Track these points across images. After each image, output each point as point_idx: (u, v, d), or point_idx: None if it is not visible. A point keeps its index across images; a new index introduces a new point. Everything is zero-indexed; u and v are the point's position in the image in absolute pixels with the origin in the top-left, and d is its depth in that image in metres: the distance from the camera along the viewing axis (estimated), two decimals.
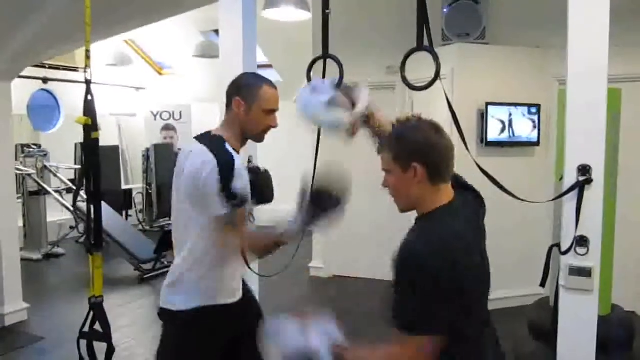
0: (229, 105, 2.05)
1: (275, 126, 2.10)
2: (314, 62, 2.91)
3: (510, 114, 4.81)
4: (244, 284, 2.22)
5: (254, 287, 3.44)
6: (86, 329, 2.61)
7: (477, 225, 1.60)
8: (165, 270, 4.35)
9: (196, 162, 1.89)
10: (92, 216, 2.57)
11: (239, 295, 2.12)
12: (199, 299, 1.97)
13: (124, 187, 8.44)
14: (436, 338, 1.38)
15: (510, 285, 4.60)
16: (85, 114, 2.46)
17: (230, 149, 1.95)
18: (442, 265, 1.35)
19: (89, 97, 2.46)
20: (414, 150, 1.50)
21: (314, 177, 3.27)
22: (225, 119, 2.08)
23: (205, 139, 2.00)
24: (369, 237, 5.82)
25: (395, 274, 1.42)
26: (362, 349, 1.57)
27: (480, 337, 1.53)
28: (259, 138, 2.12)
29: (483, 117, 4.76)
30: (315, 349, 1.59)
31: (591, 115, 2.35)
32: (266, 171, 2.20)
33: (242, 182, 1.89)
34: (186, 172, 1.91)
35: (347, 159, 6.25)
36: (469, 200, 1.63)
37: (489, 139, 4.74)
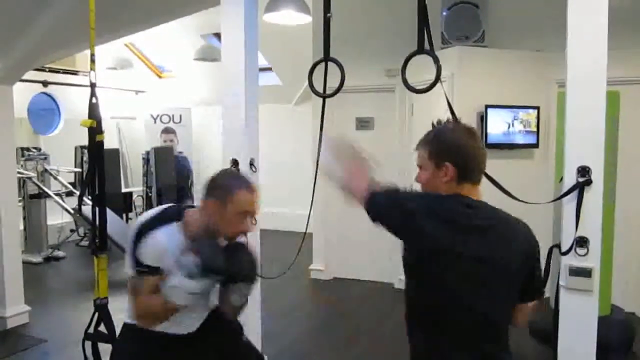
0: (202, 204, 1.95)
1: (250, 231, 1.97)
2: (315, 65, 2.94)
3: (510, 117, 4.83)
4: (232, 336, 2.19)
5: (255, 289, 3.48)
6: (91, 330, 2.63)
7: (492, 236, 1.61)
8: None
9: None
10: (97, 218, 2.59)
11: (187, 330, 2.04)
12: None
13: (124, 190, 8.45)
14: (374, 193, 1.69)
15: None
16: (90, 117, 2.48)
17: (172, 228, 1.91)
18: (435, 201, 1.61)
19: (94, 100, 2.48)
20: (448, 151, 1.63)
21: (315, 180, 3.30)
22: (199, 210, 1.98)
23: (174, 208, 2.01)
24: (368, 240, 5.83)
25: None
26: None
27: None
28: (228, 238, 1.95)
29: (483, 119, 4.78)
30: None
31: (590, 118, 2.37)
32: (245, 249, 1.96)
33: (155, 254, 1.85)
34: None
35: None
36: (511, 223, 1.70)
37: (489, 142, 4.76)
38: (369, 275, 5.86)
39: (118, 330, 2.73)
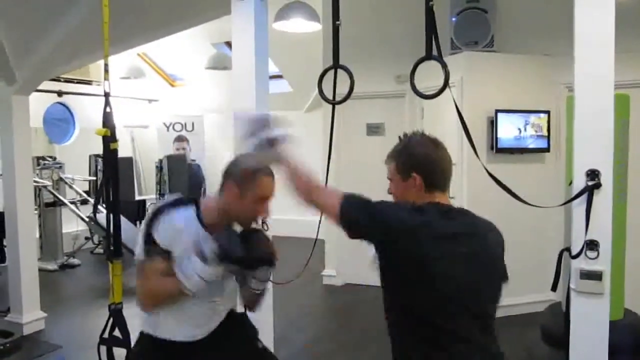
0: (222, 186, 1.97)
1: (267, 216, 2.00)
2: (325, 72, 2.97)
3: (521, 121, 4.84)
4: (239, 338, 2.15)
5: (268, 294, 3.51)
6: (106, 335, 2.67)
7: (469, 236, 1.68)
8: None
9: None
10: (111, 225, 2.63)
11: (198, 335, 2.01)
12: (145, 325, 2.05)
13: (137, 197, 8.54)
14: (347, 206, 1.65)
15: (522, 291, 4.60)
16: (104, 126, 2.53)
17: (189, 212, 1.92)
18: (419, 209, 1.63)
19: (108, 109, 2.53)
20: (414, 163, 1.71)
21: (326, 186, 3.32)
22: (219, 195, 1.98)
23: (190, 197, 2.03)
24: None
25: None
26: (301, 168, 1.79)
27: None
28: (246, 224, 1.97)
29: (493, 124, 4.79)
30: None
31: (599, 121, 2.38)
32: (260, 231, 1.97)
33: (170, 233, 1.86)
34: None
35: (362, 169, 6.27)
36: (479, 224, 1.77)
37: (499, 146, 4.77)
38: (379, 281, 5.85)
39: (133, 336, 2.78)
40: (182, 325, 1.97)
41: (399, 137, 1.81)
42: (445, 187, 1.76)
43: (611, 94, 2.37)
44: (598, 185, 2.37)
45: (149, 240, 1.88)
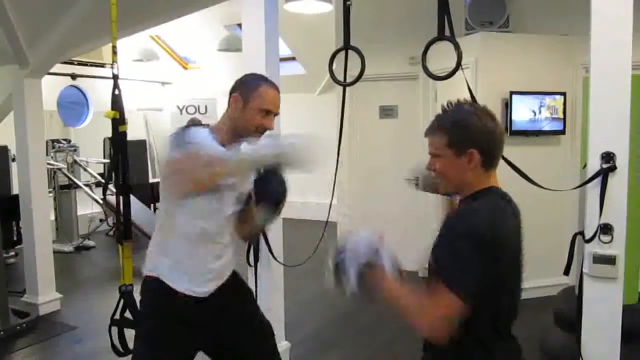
0: (228, 101, 2.06)
1: (270, 128, 2.03)
2: (335, 53, 2.94)
3: (536, 103, 4.76)
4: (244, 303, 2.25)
5: (279, 278, 3.51)
6: (117, 316, 2.70)
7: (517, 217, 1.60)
8: None
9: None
10: (122, 208, 2.65)
11: (201, 292, 2.06)
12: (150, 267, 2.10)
13: (151, 180, 8.58)
14: (464, 300, 1.39)
15: (535, 275, 4.56)
16: (113, 108, 2.53)
17: (207, 133, 2.00)
18: (487, 233, 1.41)
19: (116, 92, 2.53)
20: (472, 137, 1.51)
21: (336, 169, 3.32)
22: (223, 114, 2.08)
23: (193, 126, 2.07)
24: (393, 230, 5.82)
25: (449, 238, 1.50)
26: (398, 287, 1.57)
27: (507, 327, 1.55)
28: (251, 136, 2.01)
29: (507, 106, 4.72)
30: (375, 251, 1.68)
31: (615, 103, 2.33)
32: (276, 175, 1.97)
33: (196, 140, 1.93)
34: None
35: (374, 152, 6.24)
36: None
37: (514, 129, 4.70)
38: None
39: None
40: (195, 277, 2.03)
41: (444, 106, 1.59)
42: (498, 162, 1.59)
43: (628, 75, 2.32)
44: (613, 168, 2.33)
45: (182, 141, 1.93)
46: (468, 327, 1.44)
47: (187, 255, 2.02)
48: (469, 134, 1.51)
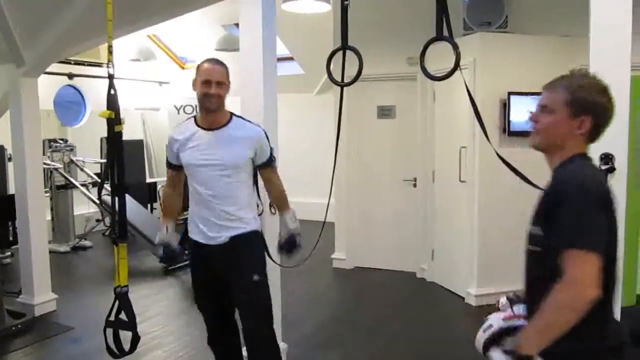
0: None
1: (209, 93, 2.61)
2: (333, 53, 2.92)
3: (534, 104, 4.74)
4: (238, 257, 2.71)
5: (276, 279, 3.50)
6: (112, 318, 2.67)
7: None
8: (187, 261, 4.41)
9: None
10: (117, 208, 2.63)
11: (208, 240, 2.69)
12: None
13: (148, 180, 8.56)
14: (600, 255, 1.41)
15: None
16: (108, 108, 2.51)
17: (188, 122, 2.80)
18: (596, 187, 1.49)
19: (112, 92, 2.51)
20: (591, 106, 1.56)
21: (334, 170, 3.30)
22: None
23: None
24: (390, 230, 5.83)
25: (549, 206, 1.51)
26: (528, 328, 1.54)
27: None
28: (205, 107, 2.67)
29: (505, 106, 4.71)
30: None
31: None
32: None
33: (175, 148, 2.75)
34: None
35: (372, 153, 6.25)
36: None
37: (512, 129, 4.69)
38: (390, 264, 5.84)
39: (139, 318, 2.80)
40: (197, 228, 2.73)
41: (570, 71, 1.64)
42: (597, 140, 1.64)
43: (627, 76, 2.31)
44: (612, 170, 2.32)
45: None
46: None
47: (190, 209, 2.78)
48: (590, 102, 1.55)
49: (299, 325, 4.28)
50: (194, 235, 2.76)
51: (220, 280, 2.74)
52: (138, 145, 8.44)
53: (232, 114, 2.77)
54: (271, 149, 2.82)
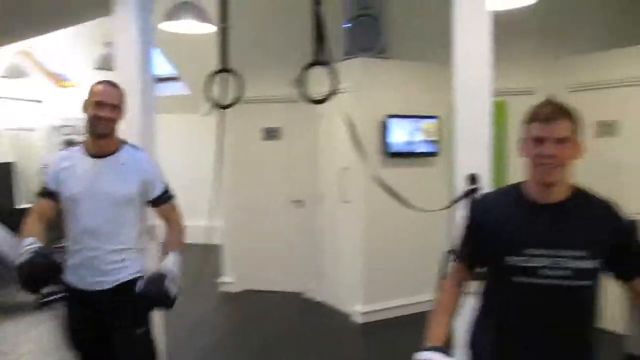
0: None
1: (100, 115, 2.33)
2: (212, 75, 2.89)
3: (412, 126, 4.98)
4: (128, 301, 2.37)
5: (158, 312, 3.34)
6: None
7: None
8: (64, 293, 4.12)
9: None
10: None
11: (87, 285, 2.39)
12: None
13: (17, 206, 7.92)
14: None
15: (415, 291, 4.75)
16: None
17: (74, 148, 2.48)
18: None
19: None
20: (582, 130, 1.58)
21: (216, 193, 3.24)
22: None
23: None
24: (278, 251, 5.81)
25: (619, 239, 1.58)
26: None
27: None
28: (95, 132, 2.38)
29: (385, 128, 4.90)
30: None
31: (477, 127, 2.48)
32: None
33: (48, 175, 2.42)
34: None
35: (260, 174, 6.19)
36: None
37: (390, 151, 4.88)
38: (279, 285, 5.82)
39: (14, 358, 2.53)
40: (75, 271, 2.41)
41: (548, 99, 1.61)
42: None
43: (488, 101, 2.48)
44: (477, 190, 2.46)
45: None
46: None
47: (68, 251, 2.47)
48: (582, 127, 1.57)
49: (182, 353, 4.12)
50: (71, 278, 2.44)
51: (100, 324, 2.44)
52: (4, 168, 7.81)
53: (123, 142, 2.51)
54: (166, 183, 2.55)
